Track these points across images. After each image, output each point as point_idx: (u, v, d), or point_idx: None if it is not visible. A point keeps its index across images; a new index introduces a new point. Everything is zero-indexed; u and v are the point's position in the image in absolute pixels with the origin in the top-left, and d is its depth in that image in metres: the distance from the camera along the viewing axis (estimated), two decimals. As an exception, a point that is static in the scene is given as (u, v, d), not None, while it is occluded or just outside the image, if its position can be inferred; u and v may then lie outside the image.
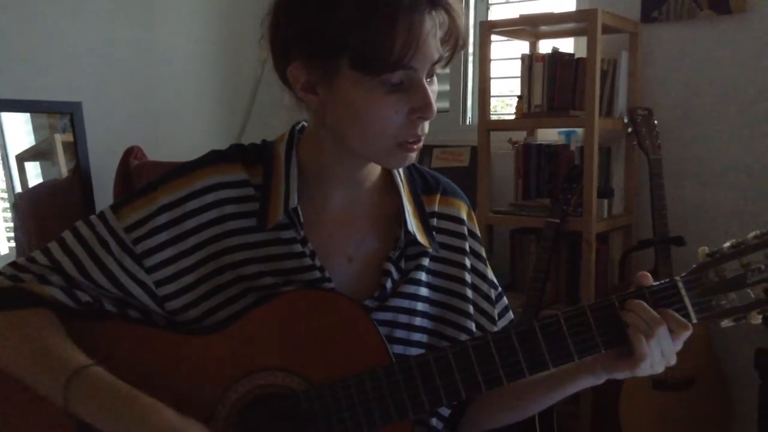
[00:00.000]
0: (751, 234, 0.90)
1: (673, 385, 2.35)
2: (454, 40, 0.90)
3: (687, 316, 0.90)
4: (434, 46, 0.87)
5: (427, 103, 0.89)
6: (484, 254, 1.10)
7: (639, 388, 2.34)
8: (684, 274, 0.91)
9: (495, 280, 1.12)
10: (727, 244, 0.91)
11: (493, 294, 1.09)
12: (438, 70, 0.91)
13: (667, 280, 0.91)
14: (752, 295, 0.89)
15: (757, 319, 0.89)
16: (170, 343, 0.96)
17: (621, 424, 2.33)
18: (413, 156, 0.95)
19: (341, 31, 0.84)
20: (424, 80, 0.89)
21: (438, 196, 1.08)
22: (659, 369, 0.90)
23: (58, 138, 2.65)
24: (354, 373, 0.91)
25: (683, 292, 0.90)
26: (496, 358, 0.90)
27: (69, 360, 0.91)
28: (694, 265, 0.91)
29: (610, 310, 0.91)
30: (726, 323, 0.90)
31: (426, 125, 0.92)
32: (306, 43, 0.89)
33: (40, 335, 0.93)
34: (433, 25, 0.86)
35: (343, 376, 0.91)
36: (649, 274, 0.92)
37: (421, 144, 0.93)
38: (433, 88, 0.92)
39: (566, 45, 2.83)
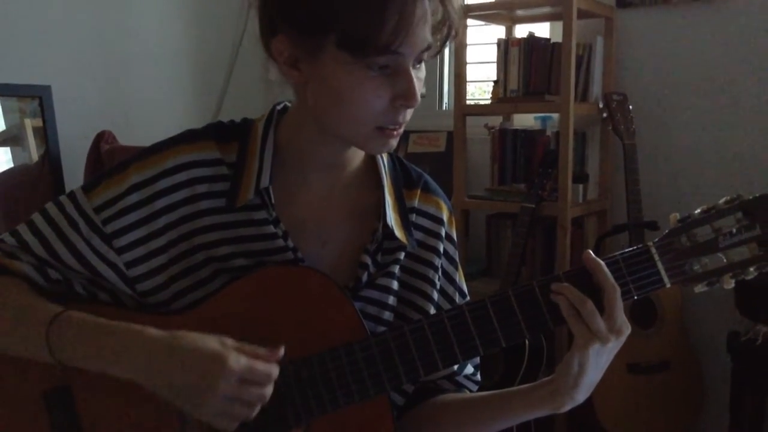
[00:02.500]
0: (722, 199, 0.90)
1: (648, 369, 2.37)
2: (446, 29, 0.88)
3: (660, 280, 0.89)
4: (424, 34, 0.85)
5: (411, 92, 0.86)
6: (457, 259, 1.09)
7: (613, 371, 2.32)
8: (657, 239, 0.90)
9: (465, 289, 1.10)
10: (698, 210, 0.91)
11: (457, 298, 1.08)
12: (426, 57, 0.89)
13: (639, 245, 0.90)
14: (724, 260, 0.89)
15: (730, 283, 0.89)
16: (140, 323, 0.93)
17: (595, 407, 2.34)
18: (394, 142, 0.92)
19: (331, 8, 0.83)
20: (411, 67, 0.87)
21: (418, 192, 1.06)
22: (610, 338, 0.87)
23: (29, 123, 2.60)
24: (329, 348, 0.90)
25: (656, 257, 0.89)
26: (471, 327, 0.89)
27: (45, 310, 0.89)
28: (666, 230, 0.90)
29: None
30: (700, 288, 0.90)
31: (408, 113, 0.90)
32: (294, 17, 0.86)
33: (11, 295, 0.92)
34: (425, 12, 0.84)
35: (318, 352, 0.90)
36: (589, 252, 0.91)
37: (401, 130, 0.91)
38: (420, 75, 0.89)
39: (542, 30, 2.84)
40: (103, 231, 0.95)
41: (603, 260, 0.89)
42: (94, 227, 0.95)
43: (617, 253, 0.90)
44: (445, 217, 1.07)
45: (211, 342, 0.83)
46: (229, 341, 0.84)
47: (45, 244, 0.95)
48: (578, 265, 0.90)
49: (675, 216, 0.91)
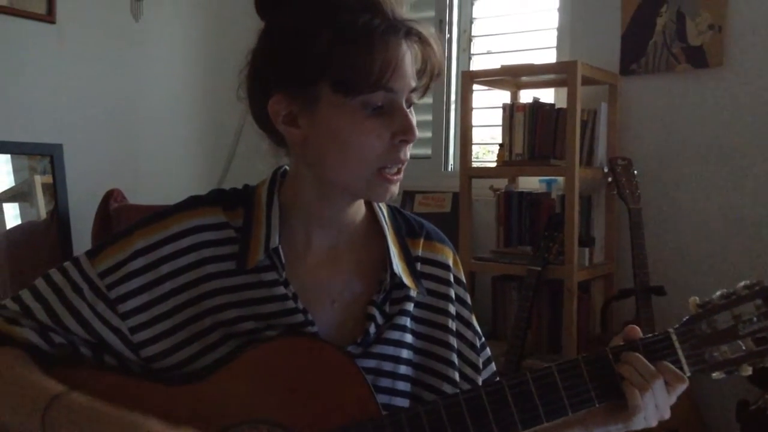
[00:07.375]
0: (741, 284, 0.90)
1: (656, 436, 2.34)
2: (429, 68, 0.92)
3: (681, 369, 0.89)
4: (411, 73, 0.89)
5: (409, 126, 0.89)
6: (469, 301, 1.09)
7: (621, 438, 2.31)
8: (677, 326, 0.90)
9: (479, 330, 1.10)
10: (717, 294, 0.91)
11: (477, 342, 1.08)
12: (415, 99, 0.92)
13: (661, 332, 0.90)
14: (743, 347, 0.89)
15: (747, 370, 0.89)
16: (148, 393, 0.92)
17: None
18: (395, 189, 0.94)
19: (321, 57, 0.86)
20: (404, 105, 0.90)
21: (422, 241, 1.06)
22: (653, 423, 0.89)
23: (38, 180, 2.62)
24: (341, 426, 0.88)
25: (677, 344, 0.89)
26: (488, 412, 0.89)
27: (44, 390, 0.87)
28: (686, 317, 0.91)
29: (604, 363, 0.90)
30: (717, 375, 0.90)
31: (407, 151, 0.92)
32: (286, 73, 0.90)
33: (11, 372, 0.90)
34: (408, 53, 0.88)
35: (329, 429, 0.88)
36: (637, 328, 0.92)
37: (401, 176, 0.93)
38: (412, 117, 0.93)
39: (547, 95, 2.87)
40: (108, 296, 0.94)
41: (624, 345, 0.90)
42: (99, 292, 0.94)
43: (638, 338, 0.91)
44: (450, 261, 1.08)
45: None
46: None
47: (48, 310, 0.94)
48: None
49: (695, 300, 0.91)
